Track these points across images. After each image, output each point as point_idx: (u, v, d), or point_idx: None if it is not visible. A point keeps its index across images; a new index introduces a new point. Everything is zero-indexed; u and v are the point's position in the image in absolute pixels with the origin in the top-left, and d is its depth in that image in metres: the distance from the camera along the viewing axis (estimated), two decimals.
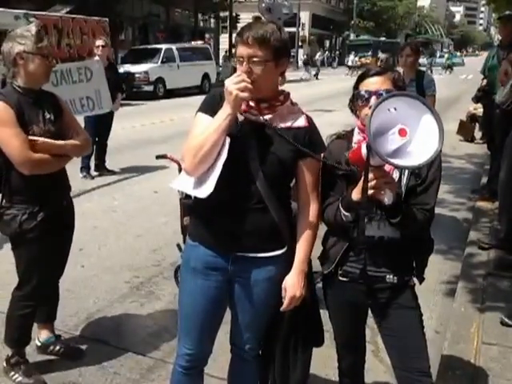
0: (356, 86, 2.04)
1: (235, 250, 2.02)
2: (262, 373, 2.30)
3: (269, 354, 2.25)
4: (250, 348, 2.21)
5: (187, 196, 3.26)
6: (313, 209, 2.05)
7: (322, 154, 2.07)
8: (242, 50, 1.85)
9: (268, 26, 1.88)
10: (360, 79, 2.03)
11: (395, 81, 1.97)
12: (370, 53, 41.52)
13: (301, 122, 2.00)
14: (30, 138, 2.58)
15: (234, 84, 1.80)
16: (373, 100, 1.93)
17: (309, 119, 2.03)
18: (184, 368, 2.20)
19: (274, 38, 1.84)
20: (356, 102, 2.01)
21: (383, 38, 52.15)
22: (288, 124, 1.97)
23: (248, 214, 1.96)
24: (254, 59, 1.83)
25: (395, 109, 1.70)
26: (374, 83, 1.97)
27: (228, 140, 1.86)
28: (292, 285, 2.03)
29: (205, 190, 1.88)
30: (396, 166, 1.77)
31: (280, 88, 2.02)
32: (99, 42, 7.48)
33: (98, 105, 6.93)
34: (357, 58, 37.31)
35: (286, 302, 2.03)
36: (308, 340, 2.21)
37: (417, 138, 1.72)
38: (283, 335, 2.17)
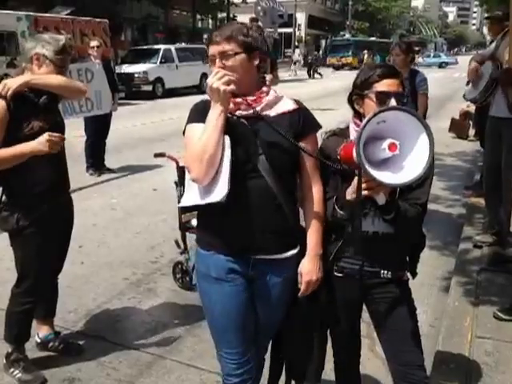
0: (368, 85, 2.01)
1: (253, 253, 1.98)
2: (275, 366, 2.28)
3: (281, 347, 2.22)
4: (262, 348, 2.21)
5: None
6: (317, 191, 2.04)
7: (317, 151, 2.09)
8: (213, 50, 1.91)
9: (234, 26, 1.96)
10: (377, 78, 2.00)
11: (402, 83, 2.00)
12: (350, 53, 41.63)
13: (290, 105, 2.01)
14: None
15: (217, 80, 1.82)
16: (392, 101, 1.94)
17: (297, 101, 2.05)
18: None
19: (239, 34, 1.90)
20: (367, 100, 2.00)
21: (373, 38, 52.22)
22: (279, 110, 1.98)
23: (261, 213, 1.93)
24: (225, 54, 1.89)
25: (384, 121, 1.73)
26: (392, 84, 1.97)
27: (228, 138, 1.86)
28: (308, 269, 2.02)
29: (219, 193, 1.84)
30: (379, 182, 1.76)
31: (273, 87, 2.06)
32: (94, 43, 7.53)
33: (97, 106, 6.96)
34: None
35: (303, 287, 2.02)
36: (324, 327, 2.20)
37: (410, 154, 1.76)
38: (299, 325, 2.14)
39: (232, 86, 1.83)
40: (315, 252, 2.04)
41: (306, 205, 2.07)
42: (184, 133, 2.01)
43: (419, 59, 37.12)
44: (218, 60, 1.89)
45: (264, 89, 2.00)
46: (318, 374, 2.24)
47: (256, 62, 1.97)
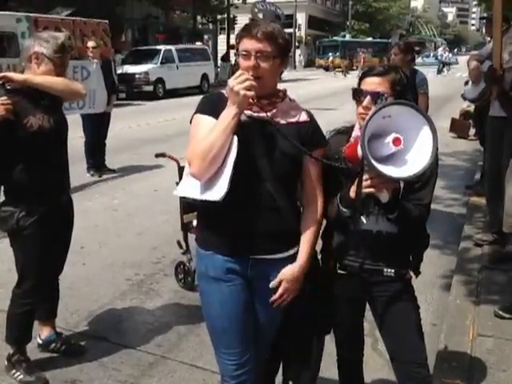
0: (358, 83, 2.07)
1: (251, 253, 1.97)
2: (272, 365, 2.27)
3: (279, 351, 2.22)
4: (262, 350, 2.18)
5: None
6: (319, 202, 2.04)
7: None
8: (248, 45, 1.84)
9: (273, 24, 1.90)
10: (363, 76, 2.06)
11: (394, 84, 1.98)
12: (337, 53, 41.57)
13: (302, 116, 2.00)
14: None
15: (239, 84, 1.78)
16: (367, 99, 1.96)
17: (309, 114, 2.05)
18: None
19: (281, 36, 1.87)
20: (354, 98, 2.04)
21: (370, 39, 52.21)
22: (290, 119, 1.97)
23: (260, 214, 1.92)
24: (261, 54, 1.83)
25: (390, 116, 1.73)
26: (372, 83, 1.99)
27: (236, 139, 1.84)
28: (293, 277, 1.98)
29: (218, 192, 1.81)
30: (384, 175, 1.77)
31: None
32: (90, 44, 7.58)
33: (89, 104, 6.95)
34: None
35: (280, 292, 1.98)
36: (322, 331, 2.18)
37: (414, 148, 1.77)
38: (298, 330, 2.14)
39: (252, 92, 1.79)
40: (304, 262, 2.01)
41: (305, 214, 2.05)
42: (191, 121, 1.98)
43: (447, 54, 37.33)
44: (253, 58, 1.84)
45: (280, 94, 1.98)
46: (313, 376, 2.24)
47: (283, 68, 1.95)
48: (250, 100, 1.86)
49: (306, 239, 2.03)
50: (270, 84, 1.92)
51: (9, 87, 2.67)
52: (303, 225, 2.04)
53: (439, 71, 34.21)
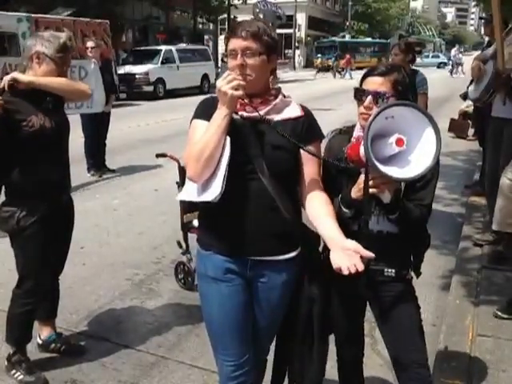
0: (360, 82, 2.07)
1: (250, 254, 1.97)
2: (278, 370, 2.26)
3: (283, 352, 2.21)
4: (262, 351, 2.19)
5: None
6: (322, 192, 2.00)
7: (322, 151, 2.09)
8: (235, 44, 1.87)
9: (259, 23, 1.93)
10: (365, 76, 2.06)
11: (396, 84, 1.98)
12: (336, 54, 41.58)
13: (296, 112, 2.00)
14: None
15: (226, 84, 1.80)
16: (368, 99, 1.96)
17: (304, 108, 2.04)
18: None
19: (265, 33, 1.88)
20: (355, 97, 2.04)
21: (369, 39, 52.17)
22: (284, 116, 1.97)
23: (258, 215, 1.92)
24: (248, 52, 1.85)
25: (393, 117, 1.74)
26: (374, 83, 1.99)
27: (228, 139, 1.85)
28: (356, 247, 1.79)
29: (212, 193, 1.83)
30: (387, 177, 1.77)
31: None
32: (90, 44, 7.58)
33: (87, 104, 6.94)
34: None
35: (361, 264, 1.74)
36: (323, 332, 2.16)
37: (417, 149, 1.77)
38: (301, 330, 2.11)
39: (240, 92, 1.81)
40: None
41: (312, 202, 1.99)
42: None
43: (460, 55, 37.60)
44: (239, 56, 1.86)
45: (272, 92, 1.98)
46: (318, 377, 2.24)
47: (272, 65, 1.96)
48: (242, 100, 1.88)
49: (326, 220, 1.91)
50: (260, 81, 1.92)
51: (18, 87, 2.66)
52: (317, 213, 1.95)
53: (452, 71, 34.77)
